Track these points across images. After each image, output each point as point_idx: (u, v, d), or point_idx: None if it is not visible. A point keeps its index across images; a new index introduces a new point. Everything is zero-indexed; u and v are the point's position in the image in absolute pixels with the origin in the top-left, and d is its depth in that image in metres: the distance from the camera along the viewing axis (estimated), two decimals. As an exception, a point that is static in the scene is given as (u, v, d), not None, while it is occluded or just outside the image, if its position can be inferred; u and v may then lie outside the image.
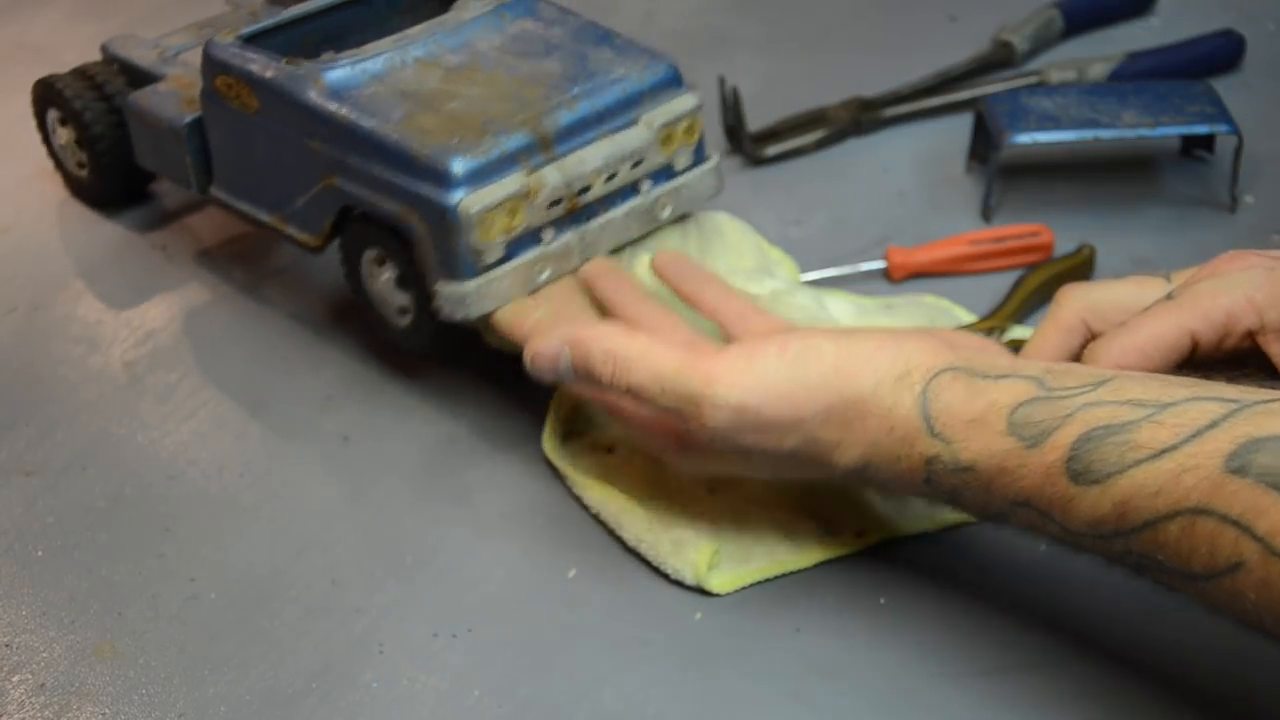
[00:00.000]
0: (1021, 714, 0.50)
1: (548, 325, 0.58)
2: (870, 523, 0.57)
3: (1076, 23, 0.88)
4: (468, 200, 0.57)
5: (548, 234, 0.60)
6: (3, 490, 0.61)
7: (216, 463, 0.62)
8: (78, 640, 0.54)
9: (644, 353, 0.53)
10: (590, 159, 0.60)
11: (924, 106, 0.82)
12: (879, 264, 0.70)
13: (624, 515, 0.57)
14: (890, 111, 0.81)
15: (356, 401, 0.65)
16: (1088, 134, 0.72)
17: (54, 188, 0.80)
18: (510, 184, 0.58)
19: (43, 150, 0.83)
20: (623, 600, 0.55)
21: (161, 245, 0.75)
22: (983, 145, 0.76)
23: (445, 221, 0.57)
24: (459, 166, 0.57)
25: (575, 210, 0.60)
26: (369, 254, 0.62)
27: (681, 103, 0.63)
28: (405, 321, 0.62)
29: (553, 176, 0.59)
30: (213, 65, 0.64)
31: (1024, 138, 0.72)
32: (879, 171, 0.78)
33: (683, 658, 0.53)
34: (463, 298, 0.58)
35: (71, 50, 0.93)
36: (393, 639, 0.54)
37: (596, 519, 0.58)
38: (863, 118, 0.80)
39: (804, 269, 0.69)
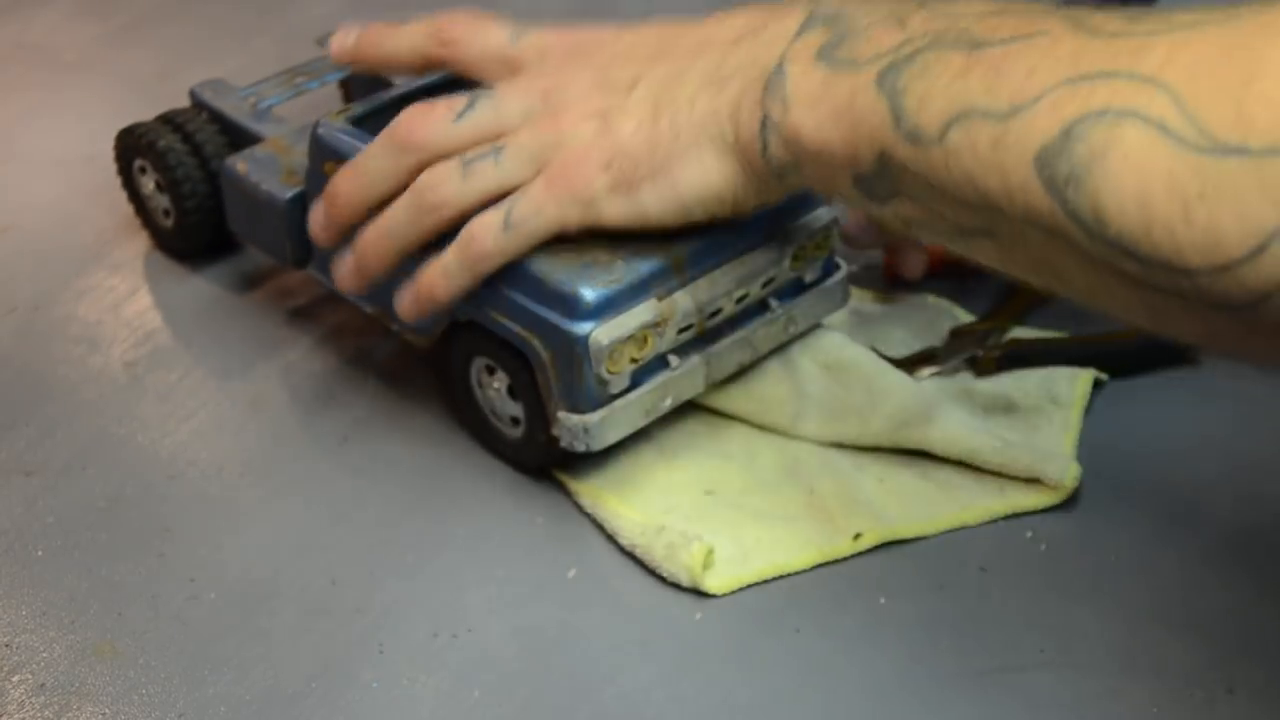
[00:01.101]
0: (1021, 714, 0.50)
1: None
2: (868, 525, 0.57)
3: (1076, 22, 0.88)
4: (598, 332, 0.54)
5: (674, 358, 0.57)
6: (3, 490, 0.61)
7: (216, 463, 0.62)
8: (78, 640, 0.54)
9: None
10: (722, 281, 0.57)
11: (924, 106, 0.82)
12: (878, 264, 0.70)
13: (618, 520, 0.57)
14: (890, 111, 0.81)
15: (356, 402, 0.65)
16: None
17: (53, 188, 0.80)
18: (642, 313, 0.55)
19: (43, 148, 0.83)
20: (622, 600, 0.55)
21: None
22: (983, 145, 0.76)
23: (572, 352, 0.54)
24: (590, 295, 0.54)
25: (702, 333, 0.58)
26: (479, 362, 0.59)
27: (816, 218, 0.59)
28: (517, 433, 0.59)
29: (684, 303, 0.56)
30: (322, 149, 0.61)
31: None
32: (879, 171, 0.78)
33: (683, 658, 0.53)
34: (586, 429, 0.55)
35: (72, 50, 0.93)
36: (393, 639, 0.54)
37: (594, 520, 0.58)
38: (862, 117, 0.80)
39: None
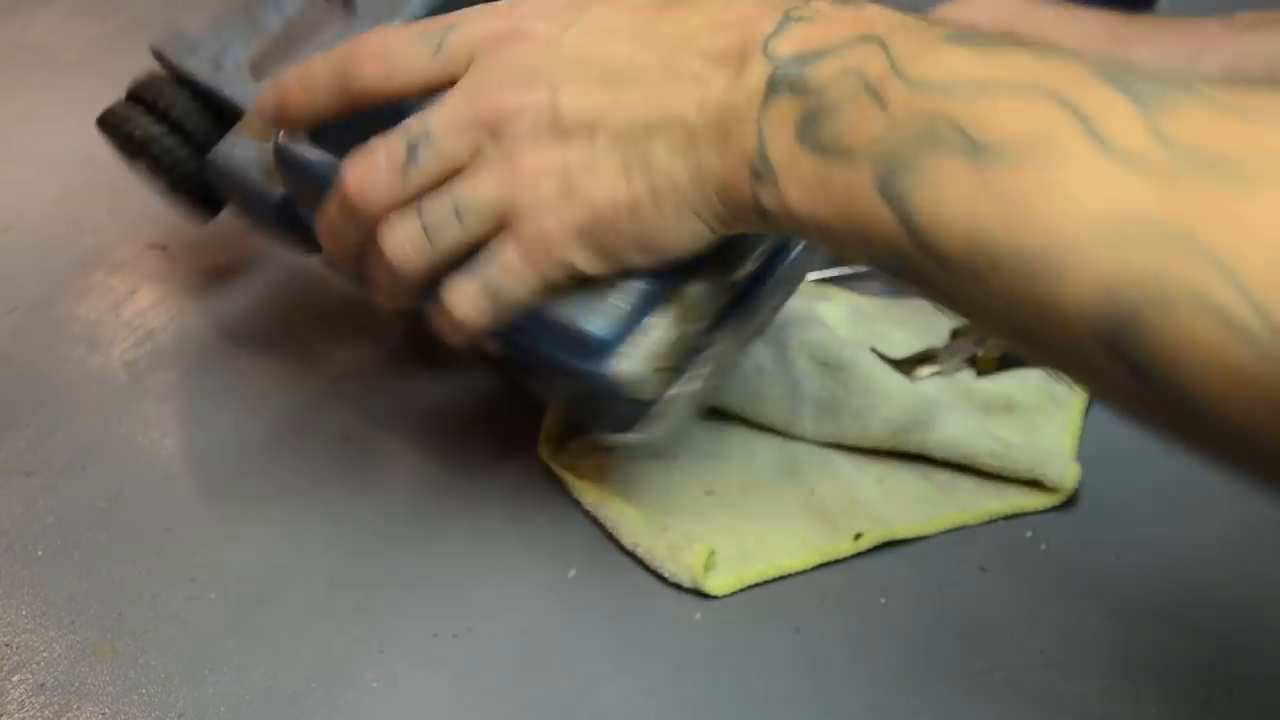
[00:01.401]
0: (1021, 714, 0.50)
1: None
2: (869, 525, 0.57)
3: (1076, 22, 0.88)
4: (621, 366, 0.50)
5: (708, 338, 0.53)
6: (3, 490, 0.61)
7: (216, 463, 0.62)
8: (78, 640, 0.54)
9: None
10: (731, 251, 0.52)
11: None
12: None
13: (620, 519, 0.57)
14: (890, 111, 0.81)
15: (356, 401, 0.65)
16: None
17: (53, 188, 0.80)
18: (657, 327, 0.51)
19: (43, 148, 0.83)
20: (623, 600, 0.55)
21: (162, 245, 0.75)
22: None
23: (600, 388, 0.51)
24: (599, 330, 0.50)
25: (729, 302, 0.54)
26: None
27: None
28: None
29: (695, 292, 0.52)
30: (291, 174, 0.58)
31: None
32: (879, 171, 0.78)
33: (683, 658, 0.53)
34: (641, 439, 0.53)
35: (72, 50, 0.93)
36: (393, 639, 0.54)
37: (595, 519, 0.58)
38: (862, 118, 0.80)
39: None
